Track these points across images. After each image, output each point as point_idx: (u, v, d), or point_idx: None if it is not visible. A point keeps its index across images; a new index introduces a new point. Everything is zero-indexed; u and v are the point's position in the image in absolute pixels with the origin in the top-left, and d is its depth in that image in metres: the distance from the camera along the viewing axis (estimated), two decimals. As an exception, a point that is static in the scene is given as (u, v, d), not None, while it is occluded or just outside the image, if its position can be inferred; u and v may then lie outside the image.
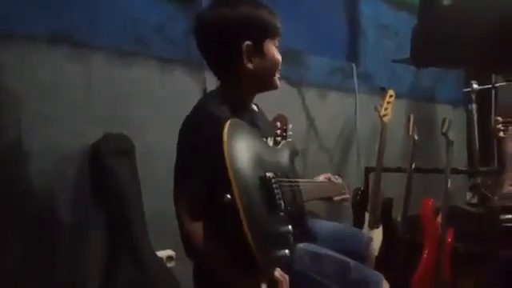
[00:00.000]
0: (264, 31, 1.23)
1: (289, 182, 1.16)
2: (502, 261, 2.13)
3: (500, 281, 2.07)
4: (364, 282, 1.17)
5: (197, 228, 1.06)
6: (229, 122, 0.98)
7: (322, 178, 1.54)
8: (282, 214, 1.03)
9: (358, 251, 1.33)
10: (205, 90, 2.06)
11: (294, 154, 1.35)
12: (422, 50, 2.67)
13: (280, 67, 1.29)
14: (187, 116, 1.19)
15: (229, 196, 0.90)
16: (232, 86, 1.25)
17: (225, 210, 0.91)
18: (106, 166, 1.69)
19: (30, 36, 1.65)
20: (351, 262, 1.20)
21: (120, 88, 1.87)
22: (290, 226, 1.03)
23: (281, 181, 1.09)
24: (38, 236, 1.64)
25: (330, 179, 1.53)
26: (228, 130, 0.96)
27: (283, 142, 1.34)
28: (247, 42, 1.19)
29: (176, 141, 1.20)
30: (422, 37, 2.66)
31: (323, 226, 1.43)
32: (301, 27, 2.57)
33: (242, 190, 0.91)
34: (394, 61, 3.09)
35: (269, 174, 1.02)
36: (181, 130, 1.17)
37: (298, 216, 1.22)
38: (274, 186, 1.02)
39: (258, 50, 1.22)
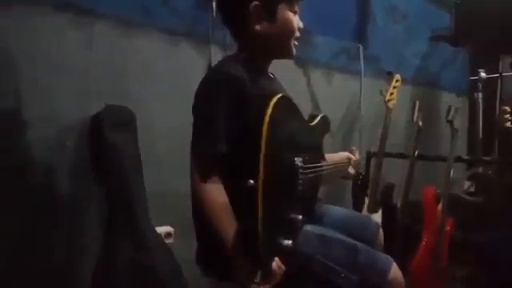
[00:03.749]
0: None
1: (314, 167, 1.14)
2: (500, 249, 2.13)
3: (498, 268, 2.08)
4: (373, 266, 1.14)
5: (206, 190, 1.03)
6: (275, 99, 0.92)
7: (345, 154, 1.52)
8: (298, 202, 1.01)
9: (367, 237, 1.30)
10: (209, 64, 2.01)
11: (326, 130, 1.33)
12: (463, 28, 2.64)
13: (299, 34, 1.26)
14: (204, 77, 1.16)
15: (252, 182, 0.86)
16: (245, 49, 1.24)
17: (244, 192, 0.87)
18: (107, 138, 1.65)
19: (31, 1, 1.59)
20: (359, 244, 1.18)
21: (123, 59, 1.82)
22: (300, 216, 1.01)
23: (307, 167, 1.06)
24: (37, 208, 1.61)
25: (349, 158, 1.52)
26: (272, 110, 0.89)
27: (320, 116, 1.32)
28: (255, 3, 1.16)
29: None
30: (465, 15, 2.62)
31: (332, 211, 1.41)
32: (309, 6, 2.51)
33: (269, 177, 0.87)
34: (431, 38, 3.07)
35: (297, 162, 0.99)
36: (196, 91, 1.15)
37: (310, 200, 1.20)
38: (300, 176, 0.99)
39: (270, 13, 1.19)
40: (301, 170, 1.00)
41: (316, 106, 2.62)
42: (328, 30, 2.68)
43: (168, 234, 1.84)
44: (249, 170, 0.87)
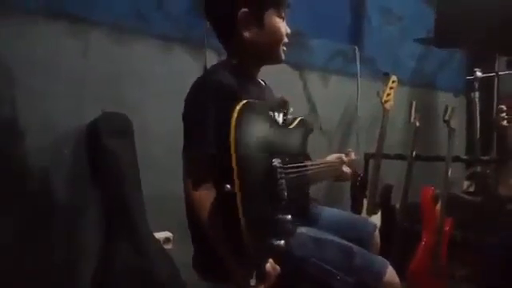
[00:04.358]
0: (265, 1, 1.21)
1: (297, 167, 1.14)
2: (500, 249, 2.13)
3: (498, 268, 2.08)
4: (368, 268, 1.14)
5: (198, 196, 1.04)
6: (240, 105, 0.93)
7: (333, 157, 1.52)
8: (283, 203, 1.00)
9: (362, 239, 1.30)
10: (205, 69, 2.02)
11: (308, 131, 1.33)
12: (445, 30, 2.67)
13: (287, 40, 1.27)
14: (192, 84, 1.17)
15: (228, 186, 0.87)
16: (235, 55, 1.25)
17: (223, 196, 0.89)
18: (104, 144, 1.66)
19: (28, 10, 1.60)
20: (354, 247, 1.18)
21: (119, 65, 1.83)
22: (289, 216, 1.01)
23: (287, 167, 1.06)
24: (35, 214, 1.62)
25: (340, 158, 1.52)
26: (238, 114, 0.91)
27: (298, 119, 1.32)
28: (244, 9, 1.18)
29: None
30: (446, 17, 2.65)
31: (328, 212, 1.41)
32: (304, 9, 2.53)
33: (244, 179, 0.88)
34: (416, 40, 3.08)
35: (275, 163, 0.99)
36: (185, 99, 1.16)
37: (301, 201, 1.20)
38: (279, 175, 0.99)
39: (257, 20, 1.20)
40: (279, 170, 1.00)
41: (313, 109, 2.63)
42: (323, 33, 2.69)
43: (167, 240, 1.84)
44: (225, 174, 0.87)
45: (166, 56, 1.96)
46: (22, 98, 1.59)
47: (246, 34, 1.20)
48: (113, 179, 1.67)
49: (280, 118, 1.27)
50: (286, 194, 1.01)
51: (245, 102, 0.96)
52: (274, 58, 1.28)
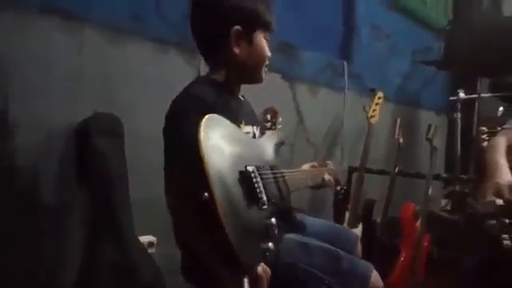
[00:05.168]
0: (256, 21, 1.27)
1: (273, 173, 1.16)
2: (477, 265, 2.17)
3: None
4: (354, 272, 1.18)
5: (179, 208, 1.05)
6: (205, 118, 0.96)
7: (306, 166, 1.56)
8: (264, 207, 1.01)
9: (345, 248, 1.32)
10: (198, 74, 2.02)
11: (279, 143, 1.36)
12: (452, 54, 2.78)
13: (268, 62, 1.33)
14: (173, 99, 1.20)
15: (206, 194, 0.88)
16: (219, 71, 1.28)
17: (203, 206, 0.89)
18: (93, 145, 1.64)
19: (21, 5, 1.58)
20: (341, 251, 1.22)
21: (112, 66, 1.81)
22: (273, 219, 1.02)
23: (263, 173, 1.08)
24: (21, 212, 1.59)
25: (315, 166, 1.57)
26: (204, 126, 0.93)
27: (268, 132, 1.36)
28: (237, 27, 1.22)
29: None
30: (456, 42, 2.76)
31: (311, 221, 1.44)
32: (297, 21, 2.56)
33: (220, 186, 0.89)
34: (422, 62, 3.19)
35: (249, 168, 1.01)
36: (166, 114, 1.18)
37: (284, 207, 1.22)
38: (255, 179, 1.01)
39: (247, 38, 1.26)
40: (253, 174, 1.01)
41: (301, 120, 2.66)
42: (314, 46, 2.73)
43: (150, 244, 1.83)
44: (201, 188, 0.88)
45: (160, 59, 1.96)
46: (13, 95, 1.56)
47: (236, 51, 1.24)
48: (100, 180, 1.65)
49: (255, 130, 1.32)
50: (265, 198, 1.03)
51: (209, 115, 0.98)
52: (256, 78, 1.33)
